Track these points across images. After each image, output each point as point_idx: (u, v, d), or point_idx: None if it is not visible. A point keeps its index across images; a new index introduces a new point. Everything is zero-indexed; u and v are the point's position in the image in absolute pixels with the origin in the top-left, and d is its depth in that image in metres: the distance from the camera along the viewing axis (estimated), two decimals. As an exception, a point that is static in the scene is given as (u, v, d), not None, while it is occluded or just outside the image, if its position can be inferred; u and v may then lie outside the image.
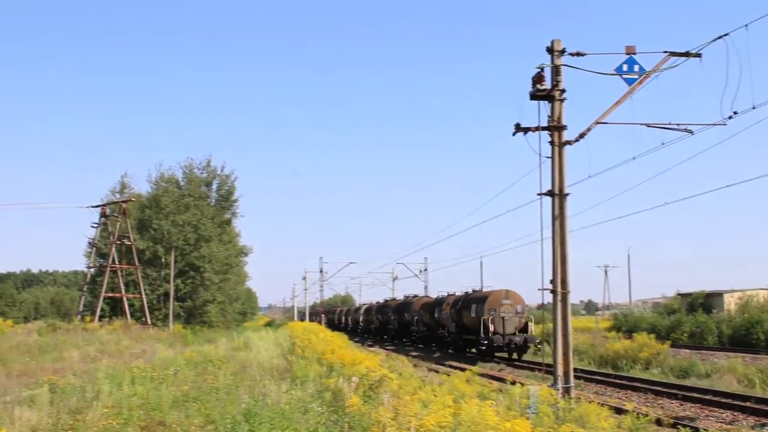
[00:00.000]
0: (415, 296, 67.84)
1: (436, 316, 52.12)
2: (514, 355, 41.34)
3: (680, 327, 50.05)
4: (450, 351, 48.64)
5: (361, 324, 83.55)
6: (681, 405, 22.31)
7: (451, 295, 51.88)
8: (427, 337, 55.42)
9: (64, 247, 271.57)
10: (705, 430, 16.80)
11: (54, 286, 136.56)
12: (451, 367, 35.21)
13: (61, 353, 31.94)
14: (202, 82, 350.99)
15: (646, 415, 14.29)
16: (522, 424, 8.95)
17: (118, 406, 13.68)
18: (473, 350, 45.46)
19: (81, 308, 64.34)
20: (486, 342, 40.65)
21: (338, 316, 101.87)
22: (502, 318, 41.40)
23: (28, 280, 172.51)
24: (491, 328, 40.75)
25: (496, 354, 41.78)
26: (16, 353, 31.33)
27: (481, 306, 42.52)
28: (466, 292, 48.87)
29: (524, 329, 41.67)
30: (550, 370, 18.71)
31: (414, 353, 47.81)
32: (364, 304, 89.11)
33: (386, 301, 78.37)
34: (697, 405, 22.08)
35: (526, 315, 43.27)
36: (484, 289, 46.71)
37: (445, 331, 50.00)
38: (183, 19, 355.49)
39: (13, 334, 43.68)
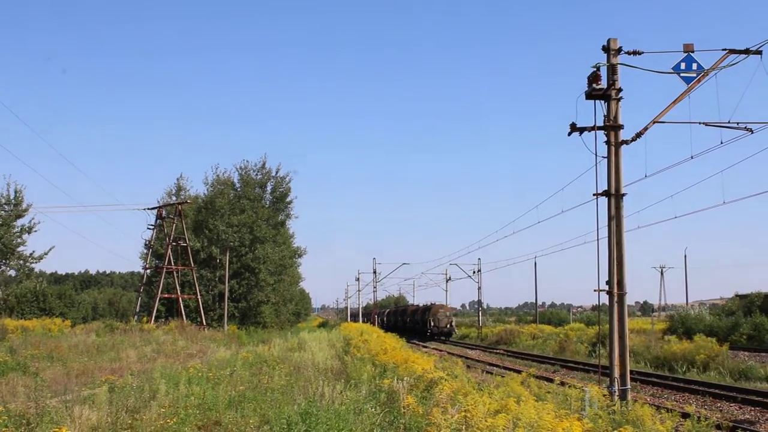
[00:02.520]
0: (413, 304, 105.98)
1: (415, 317, 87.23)
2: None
3: (738, 329, 49.07)
4: (424, 339, 75.63)
5: (385, 323, 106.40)
6: (740, 408, 21.93)
7: (425, 304, 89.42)
8: (413, 330, 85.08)
9: (121, 248, 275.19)
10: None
11: (111, 288, 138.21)
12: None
13: (118, 353, 32.37)
14: (261, 84, 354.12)
15: (706, 419, 14.06)
16: (577, 426, 8.85)
17: (175, 405, 13.79)
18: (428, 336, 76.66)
19: (138, 309, 65.12)
20: (430, 331, 77.46)
21: (368, 317, 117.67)
22: (438, 318, 78.26)
23: (86, 281, 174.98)
24: (432, 324, 77.90)
25: (438, 338, 76.54)
26: (75, 353, 31.81)
27: (429, 311, 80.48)
28: (426, 304, 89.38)
29: (450, 324, 78.63)
30: (606, 372, 18.49)
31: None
32: (387, 308, 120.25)
33: (398, 307, 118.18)
34: (757, 408, 21.67)
35: (451, 317, 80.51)
36: (435, 303, 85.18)
37: (419, 326, 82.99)
38: (244, 20, 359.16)
39: (72, 334, 44.32)
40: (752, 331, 48.26)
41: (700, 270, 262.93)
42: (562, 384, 18.17)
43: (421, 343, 64.87)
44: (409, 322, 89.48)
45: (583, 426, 9.10)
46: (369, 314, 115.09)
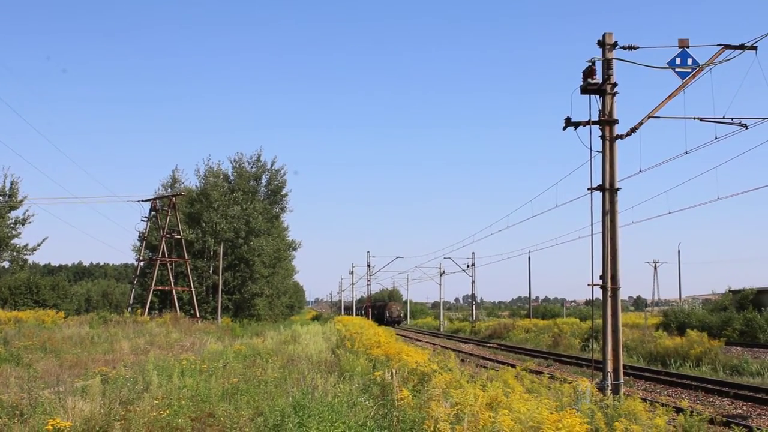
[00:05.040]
0: (380, 301, 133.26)
1: (380, 310, 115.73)
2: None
3: (731, 324, 49.14)
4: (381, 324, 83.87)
5: (369, 314, 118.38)
6: (732, 403, 22.03)
7: (384, 302, 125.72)
8: (377, 318, 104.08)
9: (115, 240, 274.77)
10: (759, 429, 16.53)
11: (105, 279, 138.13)
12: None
13: (111, 345, 32.34)
14: (258, 81, 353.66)
15: (699, 413, 14.09)
16: (574, 420, 8.86)
17: (168, 397, 13.78)
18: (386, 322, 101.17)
19: (131, 301, 65.14)
20: (386, 320, 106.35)
21: (361, 310, 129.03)
22: (392, 311, 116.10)
23: (80, 272, 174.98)
24: (388, 315, 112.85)
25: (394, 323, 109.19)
26: (68, 345, 31.77)
27: (386, 305, 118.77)
28: (385, 302, 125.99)
29: (400, 315, 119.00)
30: (599, 366, 18.50)
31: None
32: (368, 302, 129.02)
33: (375, 301, 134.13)
34: (749, 403, 21.78)
35: (401, 311, 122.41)
36: (390, 301, 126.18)
37: (380, 316, 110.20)
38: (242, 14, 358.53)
39: (66, 325, 44.24)
40: (744, 326, 48.35)
41: (693, 265, 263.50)
42: (553, 378, 18.19)
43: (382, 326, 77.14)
44: (376, 313, 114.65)
45: (578, 419, 9.09)
46: (363, 308, 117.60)
